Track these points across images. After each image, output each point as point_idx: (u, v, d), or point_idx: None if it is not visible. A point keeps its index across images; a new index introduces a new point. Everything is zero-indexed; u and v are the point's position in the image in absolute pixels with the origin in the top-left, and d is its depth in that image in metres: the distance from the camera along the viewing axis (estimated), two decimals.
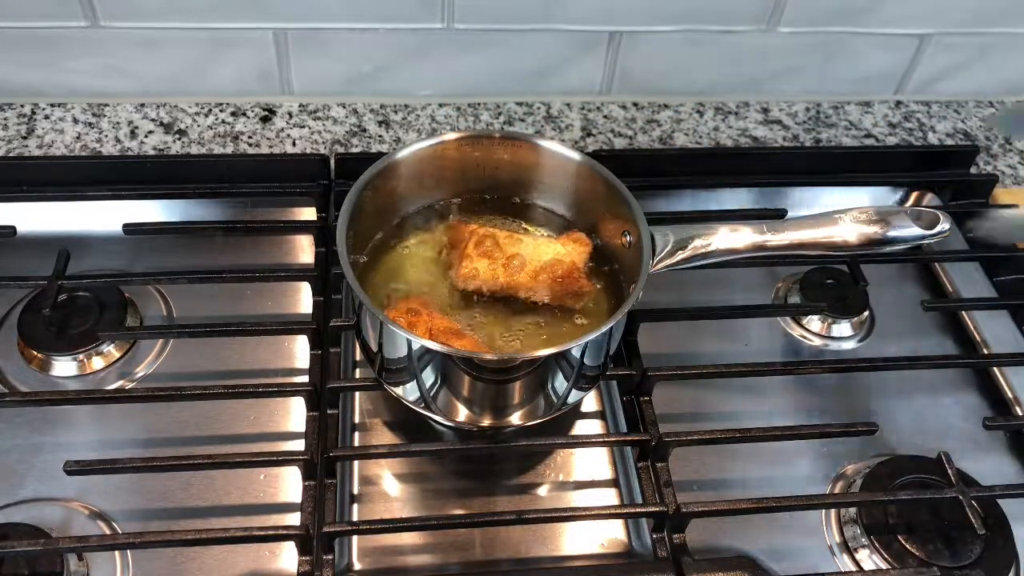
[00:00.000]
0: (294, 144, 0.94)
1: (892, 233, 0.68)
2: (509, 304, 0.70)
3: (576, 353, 0.62)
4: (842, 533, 0.69)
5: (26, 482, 0.67)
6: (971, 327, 0.84)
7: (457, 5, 0.90)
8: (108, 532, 0.65)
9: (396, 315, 0.65)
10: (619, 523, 0.69)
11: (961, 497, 0.66)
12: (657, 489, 0.68)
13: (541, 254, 0.70)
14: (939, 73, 1.02)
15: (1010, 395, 0.79)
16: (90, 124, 0.94)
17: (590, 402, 0.76)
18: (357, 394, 0.74)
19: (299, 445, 0.69)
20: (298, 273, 0.82)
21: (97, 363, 0.75)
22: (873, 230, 0.68)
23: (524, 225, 0.76)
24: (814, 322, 0.83)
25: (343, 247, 0.63)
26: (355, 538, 0.66)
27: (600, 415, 0.75)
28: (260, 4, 0.88)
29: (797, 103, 1.04)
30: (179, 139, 0.93)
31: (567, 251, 0.70)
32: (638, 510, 0.67)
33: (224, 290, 0.80)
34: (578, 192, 0.74)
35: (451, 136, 0.73)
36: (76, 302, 0.76)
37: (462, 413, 0.66)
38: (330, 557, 0.62)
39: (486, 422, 0.67)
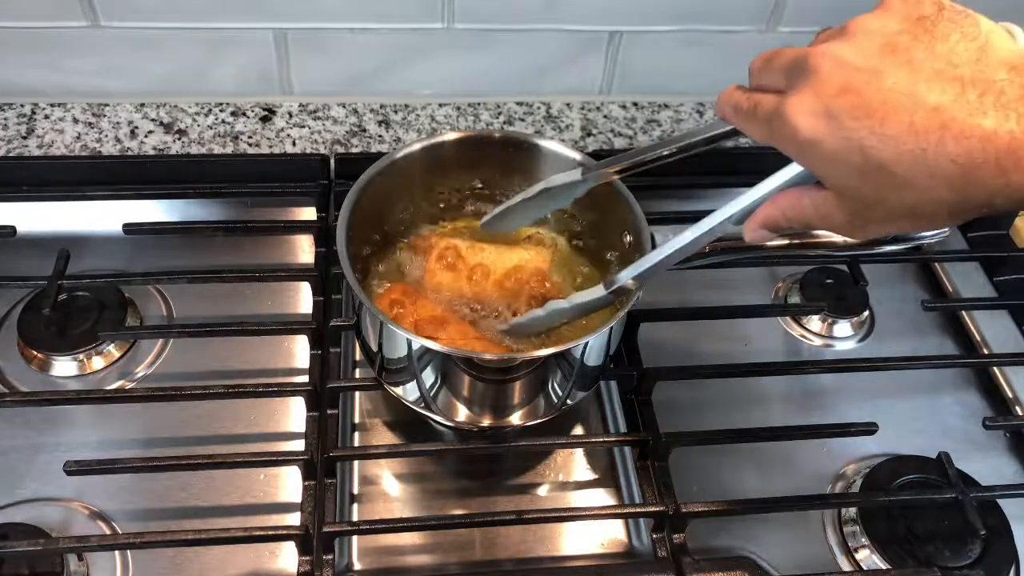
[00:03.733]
0: (294, 144, 0.94)
1: (892, 233, 0.68)
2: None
3: (576, 353, 0.62)
4: (842, 533, 0.69)
5: (26, 482, 0.67)
6: (971, 327, 0.84)
7: (457, 5, 0.90)
8: (108, 532, 0.65)
9: (380, 306, 0.66)
10: (619, 523, 0.69)
11: (961, 497, 0.67)
12: (657, 489, 0.68)
13: (504, 261, 0.71)
14: None
15: (1010, 395, 0.79)
16: (90, 124, 0.94)
17: (590, 402, 0.76)
18: (357, 394, 0.74)
19: (299, 445, 0.69)
20: (298, 273, 0.82)
21: (97, 363, 0.75)
22: None
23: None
24: (814, 322, 0.83)
25: (343, 247, 0.63)
26: (355, 538, 0.66)
27: (600, 415, 0.75)
28: (260, 4, 0.88)
29: None
30: (179, 139, 0.93)
31: (530, 256, 0.72)
32: (638, 510, 0.67)
33: (224, 290, 0.80)
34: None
35: (451, 136, 0.73)
36: (76, 302, 0.76)
37: (462, 413, 0.66)
38: (330, 557, 0.62)
39: (486, 422, 0.67)
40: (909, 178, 0.41)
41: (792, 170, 0.48)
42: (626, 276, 0.58)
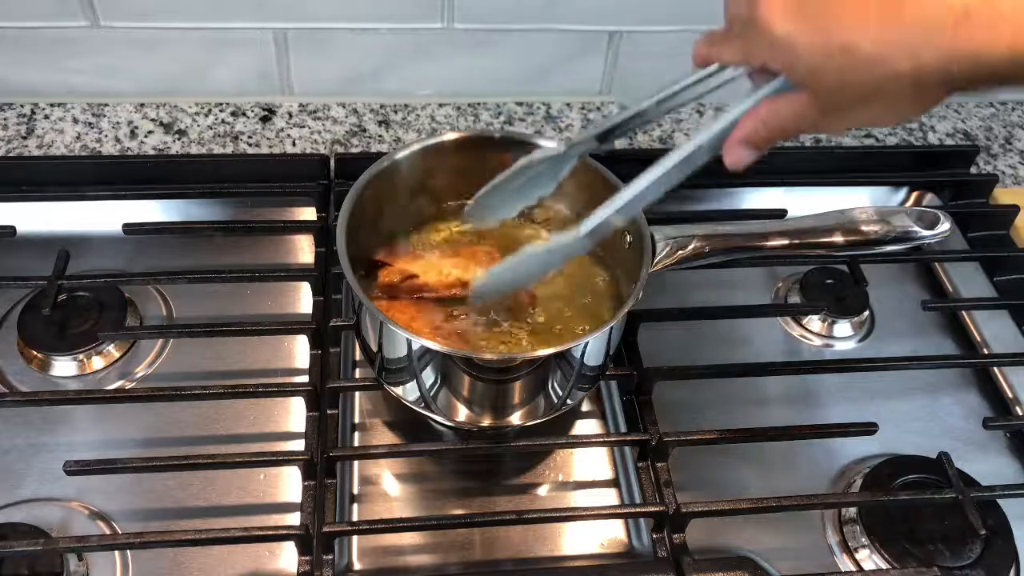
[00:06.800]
0: (294, 144, 0.94)
1: (892, 233, 0.68)
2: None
3: (576, 353, 0.62)
4: (842, 533, 0.69)
5: (26, 482, 0.67)
6: (971, 327, 0.84)
7: (457, 5, 0.90)
8: (108, 532, 0.65)
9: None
10: (619, 523, 0.69)
11: (961, 497, 0.67)
12: (657, 489, 0.68)
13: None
14: None
15: (1010, 395, 0.79)
16: (90, 124, 0.94)
17: (590, 402, 0.76)
18: (357, 394, 0.74)
19: (299, 445, 0.69)
20: (298, 273, 0.82)
21: (97, 363, 0.75)
22: (873, 230, 0.68)
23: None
24: (814, 322, 0.83)
25: (343, 247, 0.63)
26: (355, 538, 0.66)
27: (600, 415, 0.75)
28: (260, 4, 0.88)
29: None
30: (179, 139, 0.93)
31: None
32: (638, 510, 0.67)
33: (224, 290, 0.80)
34: (578, 192, 0.73)
35: (451, 136, 0.73)
36: (76, 302, 0.76)
37: (462, 413, 0.66)
38: (330, 557, 0.62)
39: (486, 422, 0.67)
40: (873, 52, 0.43)
41: (758, 95, 0.49)
42: (602, 214, 0.54)
